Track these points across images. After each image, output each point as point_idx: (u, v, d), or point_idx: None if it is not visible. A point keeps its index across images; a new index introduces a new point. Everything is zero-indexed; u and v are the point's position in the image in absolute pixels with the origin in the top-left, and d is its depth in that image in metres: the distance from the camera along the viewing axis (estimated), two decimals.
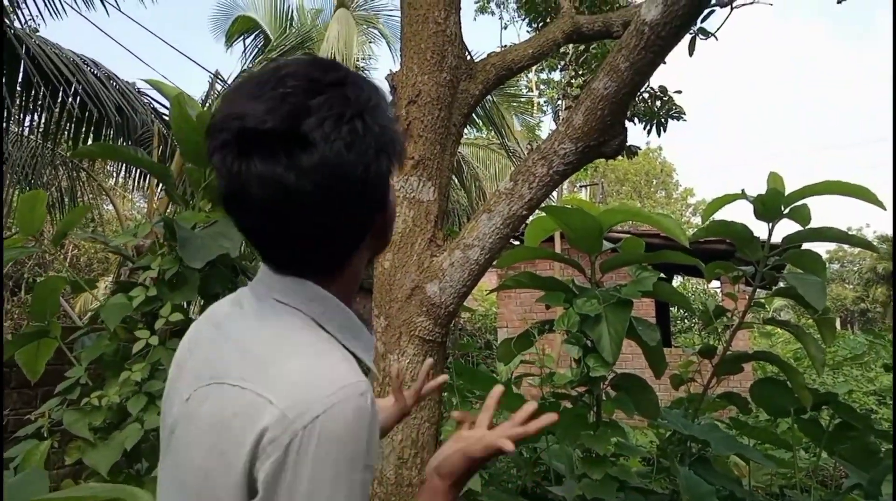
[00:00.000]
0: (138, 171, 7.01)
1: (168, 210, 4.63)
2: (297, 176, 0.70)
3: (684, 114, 5.28)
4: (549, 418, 0.92)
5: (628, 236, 2.92)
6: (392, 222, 0.90)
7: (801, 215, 2.76)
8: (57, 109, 5.56)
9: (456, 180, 9.16)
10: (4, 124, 5.51)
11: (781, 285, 2.84)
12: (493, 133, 10.86)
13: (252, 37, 10.23)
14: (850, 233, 2.83)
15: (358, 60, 8.87)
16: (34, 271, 11.19)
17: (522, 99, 12.26)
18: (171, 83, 4.54)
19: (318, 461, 0.70)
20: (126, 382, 2.40)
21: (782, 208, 2.77)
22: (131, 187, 7.85)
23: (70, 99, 5.42)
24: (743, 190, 2.81)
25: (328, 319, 0.80)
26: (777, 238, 2.85)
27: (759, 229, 2.88)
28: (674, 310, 14.61)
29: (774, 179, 2.82)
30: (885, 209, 2.69)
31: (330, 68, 0.76)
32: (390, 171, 0.79)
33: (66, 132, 5.91)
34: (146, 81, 4.98)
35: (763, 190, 2.78)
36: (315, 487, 0.70)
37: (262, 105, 0.70)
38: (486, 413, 0.97)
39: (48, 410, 2.47)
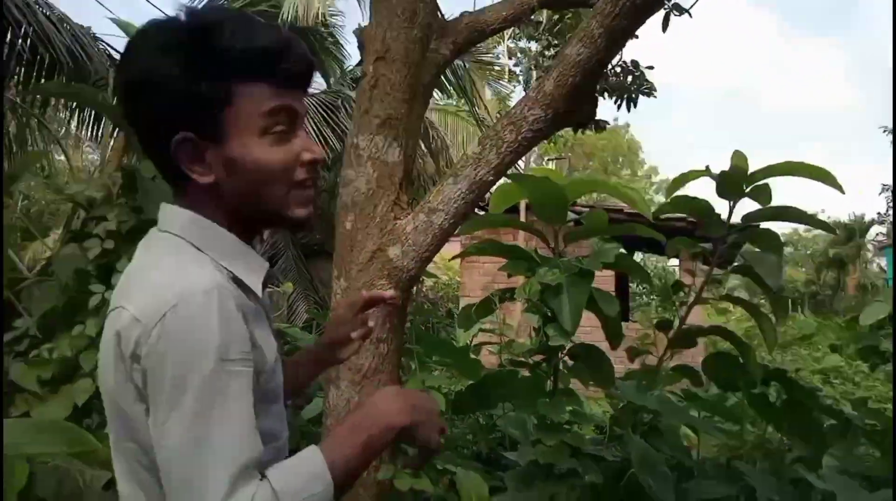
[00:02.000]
0: (92, 119, 6.69)
1: (123, 162, 4.46)
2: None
3: (655, 90, 5.29)
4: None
5: (593, 209, 2.92)
6: (240, 174, 0.87)
7: (763, 194, 2.79)
8: (6, 51, 5.27)
9: (423, 146, 9.05)
10: None
11: (738, 263, 2.88)
12: (462, 101, 10.73)
13: None
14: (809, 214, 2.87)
15: (320, 16, 8.54)
16: None
17: (497, 68, 12.11)
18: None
19: (169, 357, 0.75)
20: (80, 335, 2.34)
21: (744, 186, 2.79)
22: (85, 138, 7.53)
23: (20, 41, 5.14)
24: (707, 167, 2.82)
25: (206, 243, 0.87)
26: (738, 218, 2.88)
27: (721, 208, 2.90)
28: (633, 286, 14.89)
29: (738, 158, 2.83)
30: (843, 193, 2.73)
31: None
32: (172, 117, 0.85)
33: (15, 76, 5.62)
34: (115, 22, 4.71)
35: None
36: (174, 382, 0.75)
37: None
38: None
39: None
